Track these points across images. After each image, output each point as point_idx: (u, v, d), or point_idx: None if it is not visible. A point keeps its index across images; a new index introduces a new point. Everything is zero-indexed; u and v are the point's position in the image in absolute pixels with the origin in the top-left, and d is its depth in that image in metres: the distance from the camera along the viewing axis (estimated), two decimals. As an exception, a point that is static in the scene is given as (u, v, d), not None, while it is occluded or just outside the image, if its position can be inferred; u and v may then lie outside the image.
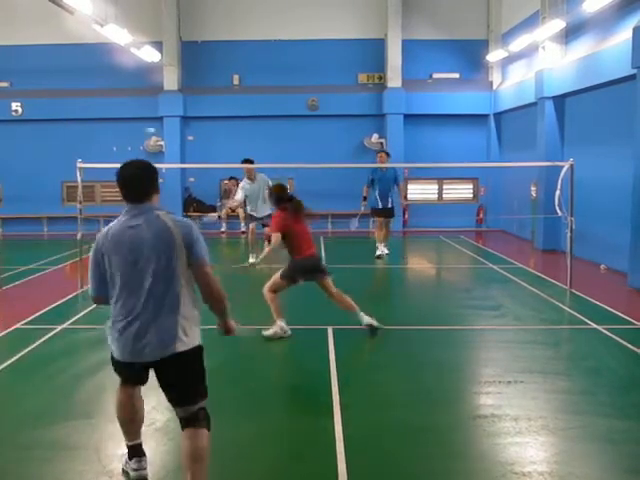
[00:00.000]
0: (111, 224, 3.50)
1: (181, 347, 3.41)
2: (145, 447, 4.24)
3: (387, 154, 13.23)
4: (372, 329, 6.97)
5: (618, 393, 5.41)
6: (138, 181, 3.46)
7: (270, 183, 11.08)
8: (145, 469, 3.86)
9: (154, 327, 3.37)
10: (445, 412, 4.98)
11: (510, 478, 3.88)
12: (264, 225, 11.32)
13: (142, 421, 3.91)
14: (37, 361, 6.28)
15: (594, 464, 4.15)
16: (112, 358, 3.62)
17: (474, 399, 5.33)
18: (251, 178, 11.59)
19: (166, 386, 3.54)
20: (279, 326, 6.96)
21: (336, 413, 4.86)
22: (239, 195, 11.69)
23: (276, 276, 6.96)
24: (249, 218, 12.19)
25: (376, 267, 12.45)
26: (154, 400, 5.16)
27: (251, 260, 11.49)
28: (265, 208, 11.38)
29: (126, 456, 3.91)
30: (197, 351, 3.51)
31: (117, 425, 4.26)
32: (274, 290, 6.93)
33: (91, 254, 3.51)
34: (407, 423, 4.76)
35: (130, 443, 3.86)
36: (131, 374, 3.63)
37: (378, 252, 12.80)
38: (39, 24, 17.39)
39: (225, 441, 4.39)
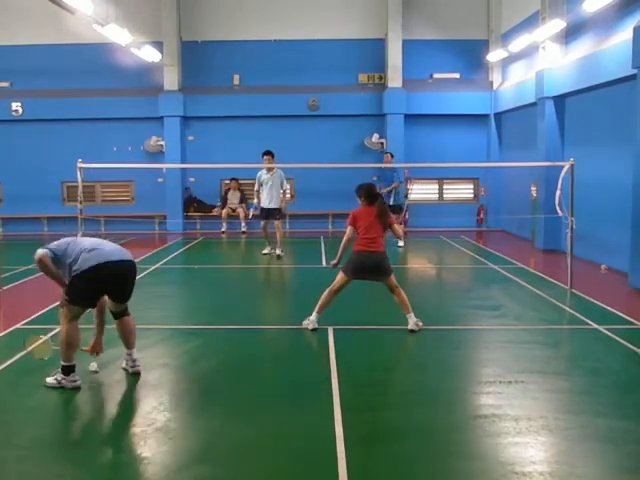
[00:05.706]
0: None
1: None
2: (145, 447, 4.25)
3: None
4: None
5: (619, 393, 5.41)
6: None
7: (284, 178, 12.94)
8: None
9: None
10: (445, 412, 4.98)
11: (510, 478, 3.88)
12: (266, 217, 12.85)
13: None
14: (37, 361, 6.27)
15: (595, 464, 4.15)
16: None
17: (474, 399, 5.33)
18: (270, 170, 12.72)
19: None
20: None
21: (336, 413, 4.85)
22: (256, 185, 12.95)
23: None
24: (260, 213, 13.12)
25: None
26: (155, 400, 5.17)
27: (266, 251, 13.12)
28: (273, 201, 12.75)
29: (61, 374, 5.41)
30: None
31: (117, 425, 4.26)
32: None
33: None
34: (407, 423, 4.76)
35: (72, 363, 5.45)
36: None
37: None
38: (39, 24, 17.41)
39: (225, 441, 4.40)
